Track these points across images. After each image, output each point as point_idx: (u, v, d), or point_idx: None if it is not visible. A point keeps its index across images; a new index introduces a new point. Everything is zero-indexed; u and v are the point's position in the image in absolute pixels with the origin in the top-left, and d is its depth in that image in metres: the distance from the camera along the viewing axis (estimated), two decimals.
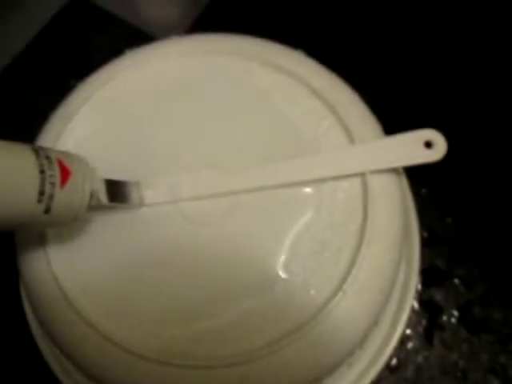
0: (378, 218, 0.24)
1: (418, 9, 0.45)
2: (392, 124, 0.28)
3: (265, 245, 0.24)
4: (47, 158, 0.19)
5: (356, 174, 0.25)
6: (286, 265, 0.24)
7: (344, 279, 0.23)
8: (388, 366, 0.33)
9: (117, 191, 0.23)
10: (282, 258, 0.24)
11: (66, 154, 0.21)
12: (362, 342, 0.24)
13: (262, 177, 0.25)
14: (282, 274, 0.23)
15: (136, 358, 0.22)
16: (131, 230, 0.24)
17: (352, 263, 0.23)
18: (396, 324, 0.31)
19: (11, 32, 0.43)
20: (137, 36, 0.43)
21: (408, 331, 0.34)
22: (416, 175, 0.34)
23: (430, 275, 0.36)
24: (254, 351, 0.22)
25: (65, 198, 0.20)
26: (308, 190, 0.25)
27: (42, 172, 0.19)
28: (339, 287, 0.23)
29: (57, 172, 0.19)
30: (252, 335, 0.22)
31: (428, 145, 0.25)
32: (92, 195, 0.21)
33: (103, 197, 0.22)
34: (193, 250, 0.24)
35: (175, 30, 0.43)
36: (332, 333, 0.22)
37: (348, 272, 0.23)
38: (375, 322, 0.25)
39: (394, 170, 0.26)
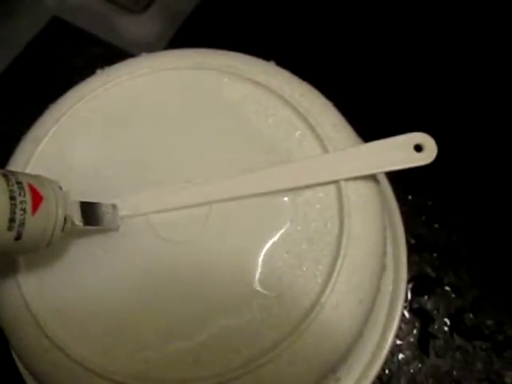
0: (354, 228, 0.23)
1: (396, 13, 0.45)
2: (371, 131, 0.28)
3: (240, 260, 0.23)
4: (18, 183, 0.19)
5: (330, 184, 0.24)
6: (262, 280, 0.23)
7: (321, 292, 0.22)
8: (380, 379, 0.33)
9: (92, 214, 0.23)
10: (258, 272, 0.23)
11: (38, 178, 0.20)
12: (345, 357, 0.24)
13: (235, 187, 0.24)
14: (258, 290, 0.23)
15: (110, 383, 0.21)
16: (103, 252, 0.24)
17: (329, 275, 0.23)
18: (386, 335, 0.31)
19: None
20: (116, 55, 0.43)
21: (399, 342, 0.33)
22: (401, 182, 0.34)
23: (419, 283, 0.35)
24: (231, 371, 0.21)
25: (37, 224, 0.19)
26: (283, 202, 0.24)
27: (12, 198, 0.18)
28: (317, 301, 0.22)
29: (28, 198, 0.19)
30: (228, 355, 0.22)
31: (418, 148, 0.24)
32: (66, 219, 0.21)
33: (78, 220, 0.22)
34: (167, 269, 0.23)
35: (154, 47, 0.43)
36: (311, 348, 0.22)
37: (325, 285, 0.22)
38: (359, 335, 0.24)
39: (371, 178, 0.25)
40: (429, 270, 0.35)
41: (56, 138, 0.26)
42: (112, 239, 0.24)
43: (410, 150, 0.25)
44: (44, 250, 0.21)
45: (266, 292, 0.23)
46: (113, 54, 0.44)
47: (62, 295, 0.23)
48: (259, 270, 0.23)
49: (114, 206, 0.24)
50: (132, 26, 0.44)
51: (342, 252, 0.23)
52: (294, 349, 0.21)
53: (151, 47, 0.43)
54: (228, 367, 0.21)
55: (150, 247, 0.24)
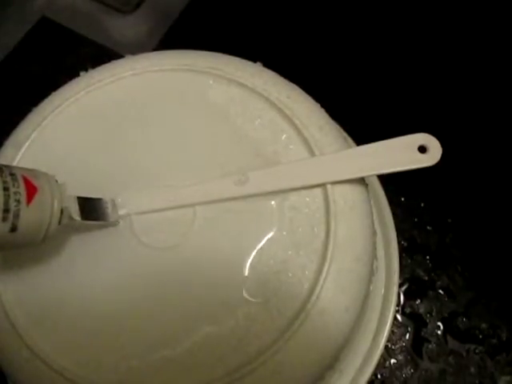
0: (341, 232, 0.23)
1: (394, 9, 0.44)
2: (363, 133, 0.27)
3: (225, 266, 0.23)
4: (12, 175, 0.19)
5: (317, 188, 0.24)
6: (248, 286, 0.22)
7: (307, 299, 0.22)
8: None
9: (91, 209, 0.22)
10: (244, 279, 0.23)
11: (33, 171, 0.20)
12: (332, 364, 0.23)
13: (220, 189, 0.24)
14: (243, 297, 0.22)
15: None
16: (85, 259, 0.23)
17: (315, 282, 0.22)
18: (378, 339, 0.30)
19: None
20: (105, 56, 0.42)
21: (391, 346, 0.33)
22: (394, 184, 0.33)
23: (411, 286, 0.34)
24: (215, 381, 0.21)
25: (32, 215, 0.19)
26: (269, 206, 0.24)
27: (5, 189, 0.18)
28: (302, 308, 0.22)
29: (22, 189, 0.19)
30: (212, 364, 0.21)
31: (422, 149, 0.24)
32: (63, 212, 0.20)
33: (76, 214, 0.21)
34: (149, 276, 0.23)
35: (143, 48, 0.42)
36: (296, 357, 0.21)
37: (311, 291, 0.22)
38: (347, 342, 0.24)
39: (359, 182, 0.25)
40: (421, 273, 0.35)
41: (37, 142, 0.26)
42: (94, 245, 0.23)
43: (413, 152, 0.24)
44: (40, 244, 0.20)
45: (251, 299, 0.22)
46: (102, 55, 0.43)
47: (43, 304, 0.22)
48: (245, 276, 0.23)
49: (113, 201, 0.24)
50: (122, 27, 0.43)
51: (329, 257, 0.22)
52: (279, 357, 0.21)
53: (141, 48, 0.43)
54: (212, 376, 0.21)
55: (134, 254, 0.23)
